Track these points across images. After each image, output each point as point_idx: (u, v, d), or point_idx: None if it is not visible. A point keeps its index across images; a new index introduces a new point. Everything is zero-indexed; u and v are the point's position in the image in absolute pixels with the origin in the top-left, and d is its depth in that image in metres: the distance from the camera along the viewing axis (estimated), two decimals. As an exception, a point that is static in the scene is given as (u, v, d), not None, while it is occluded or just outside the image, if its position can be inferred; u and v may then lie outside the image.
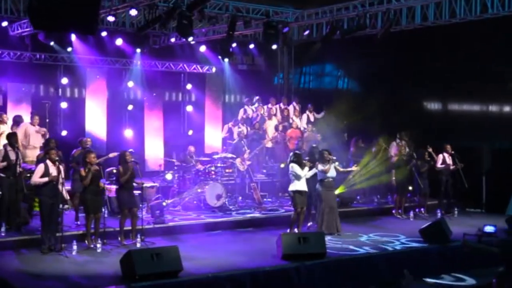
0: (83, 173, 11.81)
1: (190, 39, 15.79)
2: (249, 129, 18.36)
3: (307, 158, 13.75)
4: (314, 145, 14.72)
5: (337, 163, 14.08)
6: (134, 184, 12.64)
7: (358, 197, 17.15)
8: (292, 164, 13.12)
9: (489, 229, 11.01)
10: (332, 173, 13.52)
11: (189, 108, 21.04)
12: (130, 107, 19.63)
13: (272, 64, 22.17)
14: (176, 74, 20.82)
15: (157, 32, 18.76)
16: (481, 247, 9.71)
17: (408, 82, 18.54)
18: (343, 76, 21.86)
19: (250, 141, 17.69)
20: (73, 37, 16.89)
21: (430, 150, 16.19)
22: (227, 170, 16.75)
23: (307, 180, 13.34)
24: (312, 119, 19.74)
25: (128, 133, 19.15)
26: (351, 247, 12.28)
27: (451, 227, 13.18)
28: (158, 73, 20.13)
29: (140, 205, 13.33)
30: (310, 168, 13.26)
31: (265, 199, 16.79)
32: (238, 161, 16.63)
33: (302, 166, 13.07)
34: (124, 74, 19.46)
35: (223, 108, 21.44)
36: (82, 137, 14.37)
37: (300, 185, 13.02)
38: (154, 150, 19.50)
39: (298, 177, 13.00)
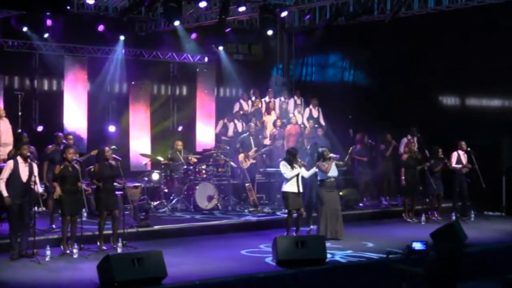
0: (57, 170, 11.68)
1: (177, 23, 15.68)
2: (244, 125, 18.23)
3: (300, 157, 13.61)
4: (316, 143, 14.63)
5: (340, 162, 13.95)
6: (116, 184, 12.54)
7: (364, 199, 17.11)
8: (282, 162, 13.07)
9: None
10: (333, 172, 13.40)
11: (179, 102, 20.89)
12: (113, 101, 19.58)
13: (270, 54, 22.03)
14: (165, 64, 20.68)
15: (143, 17, 18.66)
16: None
17: (421, 74, 18.43)
18: (349, 67, 21.72)
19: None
20: (49, 22, 16.73)
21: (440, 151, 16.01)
22: (220, 169, 16.70)
23: (309, 180, 13.27)
24: (315, 114, 19.59)
25: (112, 128, 19.03)
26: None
27: (467, 232, 12.99)
28: (145, 63, 19.99)
29: (124, 207, 13.26)
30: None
31: (262, 201, 16.75)
32: (241, 156, 16.59)
33: (292, 165, 12.94)
34: (106, 64, 19.26)
35: (216, 102, 21.24)
36: (58, 132, 14.23)
37: (289, 186, 12.92)
38: (140, 147, 19.32)
39: (285, 178, 12.94)
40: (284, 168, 12.93)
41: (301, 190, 13.00)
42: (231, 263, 11.37)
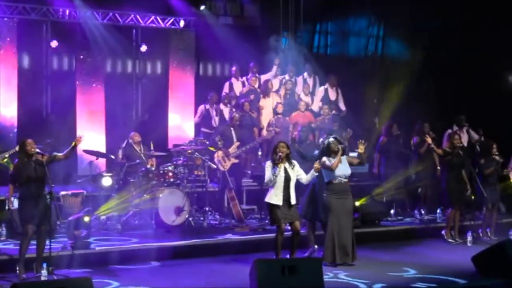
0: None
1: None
2: (234, 111, 18.18)
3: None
4: (332, 132, 14.58)
5: (354, 153, 13.77)
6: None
7: (392, 212, 17.11)
8: (267, 163, 13.00)
9: None
10: (344, 170, 13.28)
11: (145, 82, 20.84)
12: (53, 80, 19.50)
13: (271, 17, 21.86)
14: (125, 29, 20.52)
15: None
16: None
17: (480, 45, 18.28)
18: (377, 35, 21.86)
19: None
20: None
21: None
22: (196, 172, 16.76)
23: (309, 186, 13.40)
24: (332, 96, 19.55)
25: (52, 118, 19.02)
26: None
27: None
28: (98, 28, 19.72)
29: (58, 222, 13.41)
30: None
31: (251, 216, 16.87)
32: (219, 154, 16.60)
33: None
34: (44, 29, 19.30)
35: (196, 81, 21.18)
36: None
37: (272, 196, 12.79)
38: (91, 143, 19.12)
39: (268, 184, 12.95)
40: (267, 170, 12.82)
41: (292, 202, 12.80)
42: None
